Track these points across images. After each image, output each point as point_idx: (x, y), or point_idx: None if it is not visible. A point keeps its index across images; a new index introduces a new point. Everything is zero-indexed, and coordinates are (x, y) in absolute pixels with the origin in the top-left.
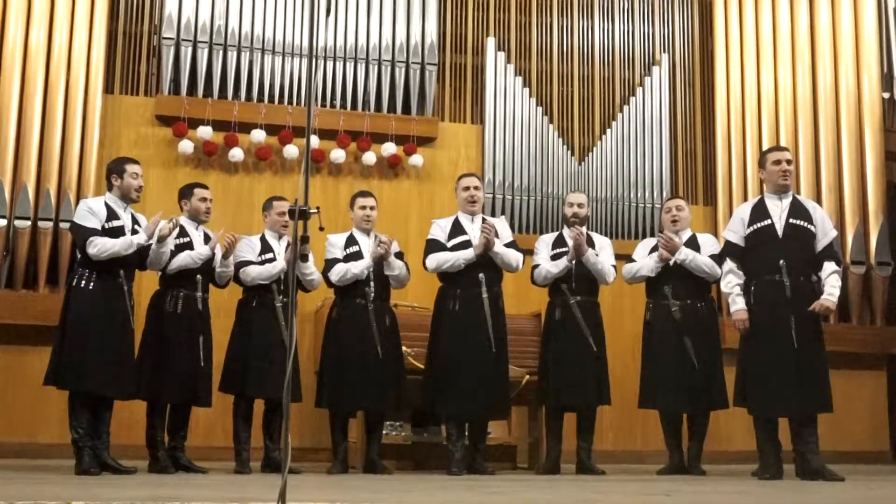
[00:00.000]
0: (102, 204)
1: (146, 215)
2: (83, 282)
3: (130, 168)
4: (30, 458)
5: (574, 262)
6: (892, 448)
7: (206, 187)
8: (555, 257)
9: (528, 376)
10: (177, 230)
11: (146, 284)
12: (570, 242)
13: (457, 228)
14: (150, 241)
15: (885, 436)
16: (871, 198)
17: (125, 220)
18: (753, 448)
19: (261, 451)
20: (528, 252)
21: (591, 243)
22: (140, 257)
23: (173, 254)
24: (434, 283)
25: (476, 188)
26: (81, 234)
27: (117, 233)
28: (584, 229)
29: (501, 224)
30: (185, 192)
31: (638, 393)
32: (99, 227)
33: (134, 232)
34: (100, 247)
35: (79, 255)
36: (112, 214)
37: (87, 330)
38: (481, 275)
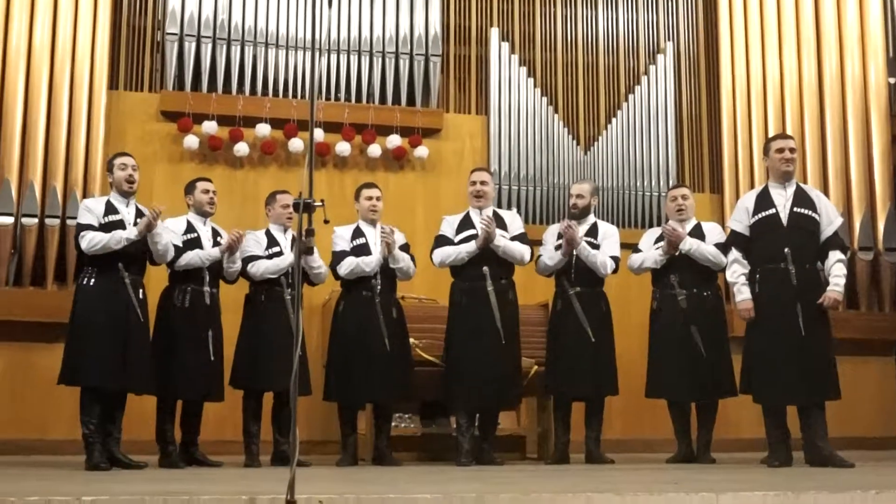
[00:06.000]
0: (102, 202)
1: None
2: (86, 279)
3: (118, 161)
4: (40, 454)
5: (572, 254)
6: None
7: (208, 180)
8: (559, 247)
9: (536, 366)
10: (161, 215)
11: (157, 280)
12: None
13: (466, 223)
14: (139, 236)
15: (893, 422)
16: (879, 183)
17: (126, 214)
18: (762, 436)
19: (271, 444)
20: (536, 243)
21: (595, 232)
22: (144, 252)
23: (181, 250)
24: (439, 274)
25: (483, 183)
26: (77, 231)
27: (114, 227)
28: (573, 222)
29: (512, 216)
30: (188, 188)
31: (645, 382)
32: (95, 223)
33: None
34: (88, 239)
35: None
36: (110, 209)
37: (89, 326)
38: (485, 268)
